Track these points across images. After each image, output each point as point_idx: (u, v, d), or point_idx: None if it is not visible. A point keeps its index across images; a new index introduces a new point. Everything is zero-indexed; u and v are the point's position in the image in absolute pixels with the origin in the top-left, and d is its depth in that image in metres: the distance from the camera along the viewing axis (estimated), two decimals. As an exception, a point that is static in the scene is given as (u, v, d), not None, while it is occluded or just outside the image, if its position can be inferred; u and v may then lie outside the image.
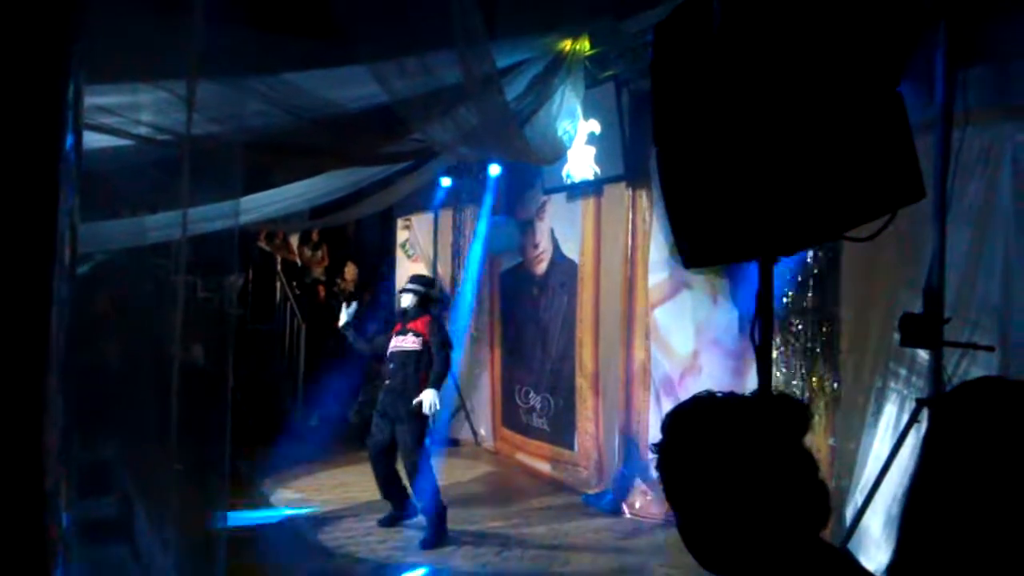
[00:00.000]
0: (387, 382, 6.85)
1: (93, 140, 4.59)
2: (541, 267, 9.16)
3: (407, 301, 6.93)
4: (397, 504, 6.87)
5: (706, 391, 1.50)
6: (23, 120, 1.18)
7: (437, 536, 6.39)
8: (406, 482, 6.71)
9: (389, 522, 6.88)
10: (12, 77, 1.17)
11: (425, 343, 6.75)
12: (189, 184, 3.78)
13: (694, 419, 1.47)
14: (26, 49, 1.21)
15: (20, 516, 1.16)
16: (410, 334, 6.80)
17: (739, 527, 1.39)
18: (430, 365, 6.70)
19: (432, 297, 7.10)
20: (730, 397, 1.47)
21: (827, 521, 1.43)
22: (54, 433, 1.21)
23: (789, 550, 1.39)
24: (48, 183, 1.20)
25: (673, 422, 1.49)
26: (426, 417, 6.59)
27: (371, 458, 6.83)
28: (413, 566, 5.99)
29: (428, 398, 6.53)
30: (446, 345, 6.80)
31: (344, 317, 7.08)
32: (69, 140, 1.23)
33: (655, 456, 1.49)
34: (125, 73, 4.10)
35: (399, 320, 6.99)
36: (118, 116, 4.50)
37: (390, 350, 6.86)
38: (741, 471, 1.39)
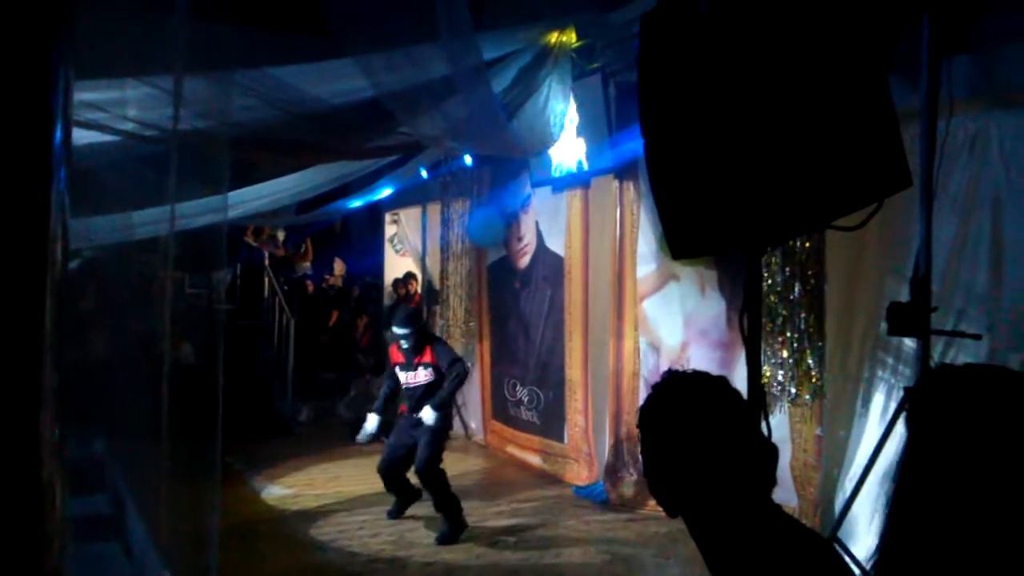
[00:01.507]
0: (402, 412, 6.91)
1: (80, 136, 4.58)
2: (524, 260, 9.17)
3: (408, 344, 6.81)
4: (399, 497, 6.94)
5: (681, 369, 1.79)
6: (12, 115, 1.18)
7: (452, 530, 6.41)
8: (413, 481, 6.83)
9: (396, 514, 6.94)
10: (1, 71, 1.17)
11: (437, 370, 6.77)
12: (176, 179, 3.77)
13: (665, 389, 1.73)
14: (14, 43, 1.21)
15: (15, 506, 1.16)
16: (420, 368, 6.79)
17: (685, 478, 1.63)
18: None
19: (425, 325, 7.05)
20: (692, 374, 1.76)
21: (773, 482, 1.65)
22: (49, 425, 1.22)
23: (729, 501, 1.59)
24: (39, 179, 1.20)
25: (653, 390, 1.75)
26: (444, 435, 6.70)
27: (380, 471, 6.85)
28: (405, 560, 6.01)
29: (426, 415, 6.64)
30: (456, 361, 6.79)
31: (372, 427, 7.03)
32: (59, 135, 1.23)
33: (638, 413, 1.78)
34: (111, 68, 4.09)
35: (403, 354, 6.87)
36: (104, 112, 4.48)
37: (404, 384, 6.87)
38: (685, 431, 1.64)
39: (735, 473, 1.59)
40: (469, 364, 9.88)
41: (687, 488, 1.62)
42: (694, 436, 1.62)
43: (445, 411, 6.76)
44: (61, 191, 1.24)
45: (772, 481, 1.65)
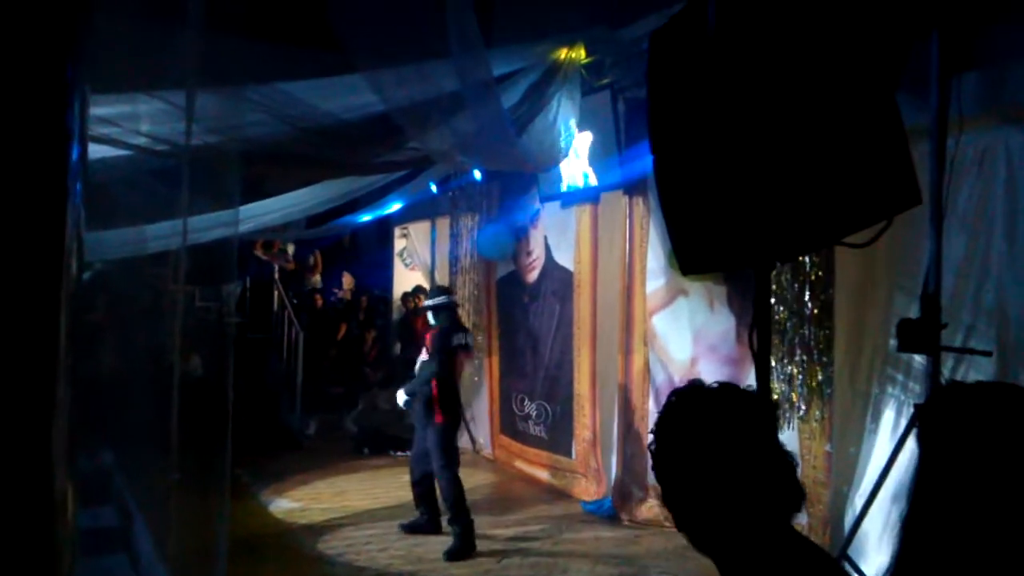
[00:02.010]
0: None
1: (92, 150, 4.61)
2: (533, 275, 9.18)
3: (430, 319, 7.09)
4: (422, 513, 6.90)
5: (700, 380, 1.65)
6: (31, 132, 1.20)
7: (461, 546, 6.36)
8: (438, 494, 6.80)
9: (410, 529, 6.89)
10: (20, 89, 1.19)
11: (430, 354, 6.88)
12: (188, 194, 3.79)
13: (685, 401, 1.61)
14: (33, 60, 1.23)
15: (29, 520, 1.17)
16: (423, 348, 7.07)
17: (712, 503, 1.51)
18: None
19: (440, 306, 7.08)
20: (722, 387, 1.61)
21: (799, 508, 1.54)
22: (61, 437, 1.23)
23: (755, 530, 1.49)
24: (56, 194, 1.21)
25: (669, 403, 1.62)
26: (443, 426, 6.64)
27: (411, 463, 7.02)
28: None
29: (398, 395, 6.95)
30: (435, 353, 6.79)
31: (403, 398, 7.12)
32: (75, 151, 1.25)
33: (651, 431, 1.64)
34: (124, 84, 4.12)
35: None
36: (117, 126, 4.51)
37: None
38: (718, 453, 1.51)
39: (760, 497, 1.50)
40: (477, 378, 9.94)
41: (708, 509, 1.52)
42: (718, 454, 1.51)
43: (449, 415, 6.70)
44: (77, 205, 1.25)
45: (796, 508, 1.54)
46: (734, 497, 1.49)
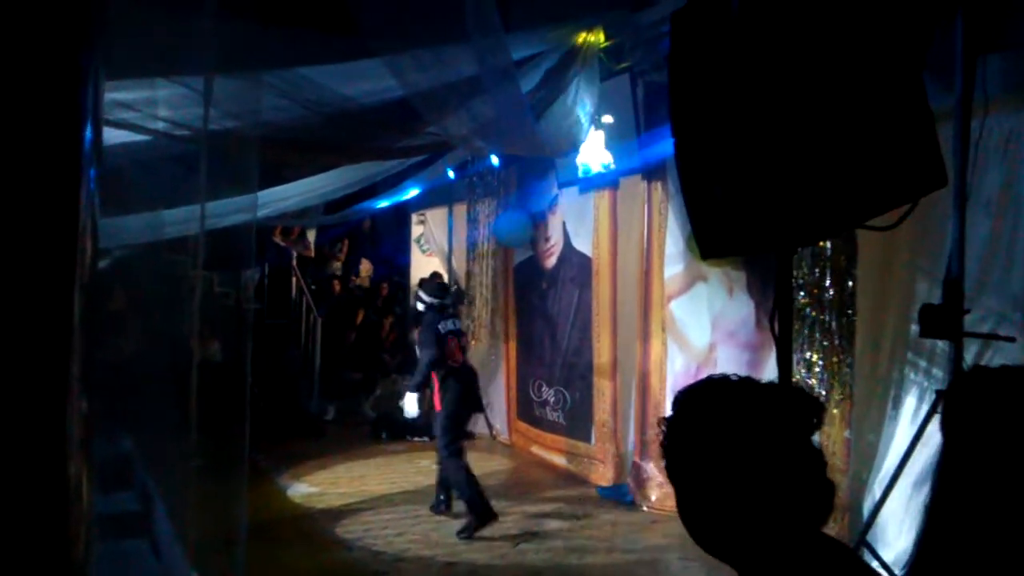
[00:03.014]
0: None
1: (110, 135, 4.62)
2: (551, 261, 9.16)
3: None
4: (439, 493, 7.02)
5: (721, 374, 1.46)
6: (44, 116, 1.19)
7: (471, 523, 6.45)
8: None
9: (433, 508, 7.06)
10: (32, 73, 1.18)
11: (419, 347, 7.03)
12: (206, 179, 3.79)
13: (705, 399, 1.44)
14: (46, 44, 1.22)
15: (43, 501, 1.17)
16: None
17: (736, 513, 1.35)
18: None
19: (423, 312, 7.17)
20: (745, 382, 1.43)
21: (828, 518, 1.38)
22: (76, 421, 1.22)
23: (784, 542, 1.34)
24: (69, 178, 1.20)
25: (684, 399, 1.46)
26: (442, 415, 6.76)
27: None
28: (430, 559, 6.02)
29: (406, 403, 6.99)
30: (424, 346, 6.90)
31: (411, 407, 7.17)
32: (88, 135, 1.24)
33: (662, 431, 1.47)
34: (142, 68, 4.12)
35: None
36: (135, 111, 4.52)
37: None
38: (745, 458, 1.34)
39: (789, 503, 1.34)
40: (494, 364, 9.95)
41: (731, 517, 1.36)
42: (738, 466, 1.34)
43: (449, 402, 6.77)
44: (91, 190, 1.24)
45: (826, 518, 1.38)
46: (761, 504, 1.34)
